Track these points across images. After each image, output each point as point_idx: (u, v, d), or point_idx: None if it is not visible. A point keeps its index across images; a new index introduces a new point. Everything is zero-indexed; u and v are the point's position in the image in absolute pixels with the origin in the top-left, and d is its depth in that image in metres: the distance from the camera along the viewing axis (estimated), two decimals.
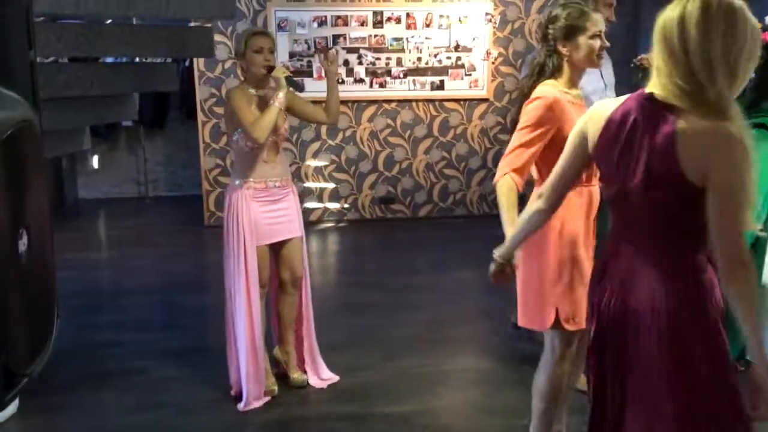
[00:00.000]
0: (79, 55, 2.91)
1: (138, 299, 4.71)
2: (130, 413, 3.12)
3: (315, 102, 3.36)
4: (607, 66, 3.44)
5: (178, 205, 7.34)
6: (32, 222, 1.08)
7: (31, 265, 1.08)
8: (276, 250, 3.22)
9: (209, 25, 3.57)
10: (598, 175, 2.19)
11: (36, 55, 1.14)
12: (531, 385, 2.51)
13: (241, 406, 3.10)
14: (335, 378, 3.37)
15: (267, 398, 3.17)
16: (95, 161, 7.76)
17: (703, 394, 1.59)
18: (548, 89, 2.32)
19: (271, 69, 3.01)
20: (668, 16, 1.57)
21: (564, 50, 2.34)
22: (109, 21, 3.07)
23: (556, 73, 2.36)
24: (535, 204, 1.92)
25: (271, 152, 3.11)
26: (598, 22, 2.34)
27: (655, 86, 1.60)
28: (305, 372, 3.35)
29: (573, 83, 2.40)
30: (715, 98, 1.51)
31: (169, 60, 4.09)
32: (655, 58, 1.59)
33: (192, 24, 3.86)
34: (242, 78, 3.19)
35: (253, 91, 3.08)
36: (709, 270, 1.61)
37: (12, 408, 1.85)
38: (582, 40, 2.32)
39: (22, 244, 1.04)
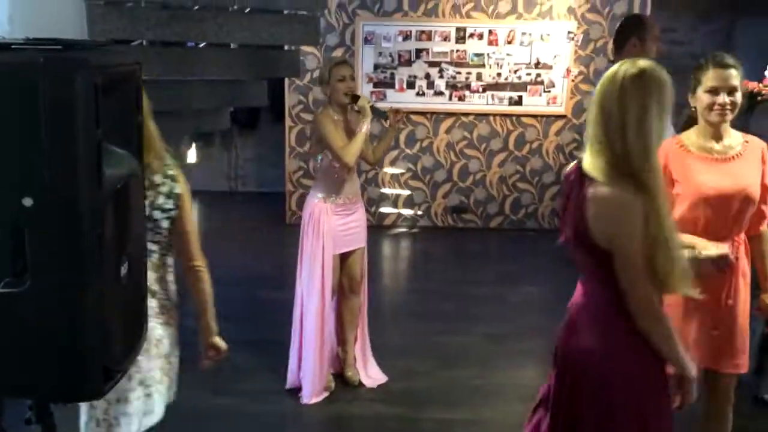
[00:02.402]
0: (179, 77, 3.29)
1: (219, 290, 5.09)
2: (204, 396, 3.48)
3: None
4: None
5: (264, 201, 7.78)
6: (132, 251, 1.38)
7: (129, 284, 1.38)
8: (342, 258, 3.50)
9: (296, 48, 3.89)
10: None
11: (143, 118, 1.44)
12: None
13: (304, 399, 3.40)
14: (384, 378, 3.63)
15: (326, 393, 3.47)
16: (192, 156, 8.33)
17: None
18: (674, 138, 2.48)
19: (355, 98, 3.30)
20: (599, 88, 1.77)
21: (691, 101, 2.45)
22: (203, 44, 3.43)
23: (695, 123, 2.45)
24: None
25: (349, 171, 3.39)
26: (717, 77, 2.34)
27: (586, 153, 1.81)
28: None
29: (709, 135, 2.41)
30: (631, 168, 1.70)
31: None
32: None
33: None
34: (328, 102, 3.45)
35: (337, 116, 3.36)
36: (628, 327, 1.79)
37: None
38: (700, 92, 2.39)
39: (124, 268, 1.35)
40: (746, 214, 2.39)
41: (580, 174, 1.79)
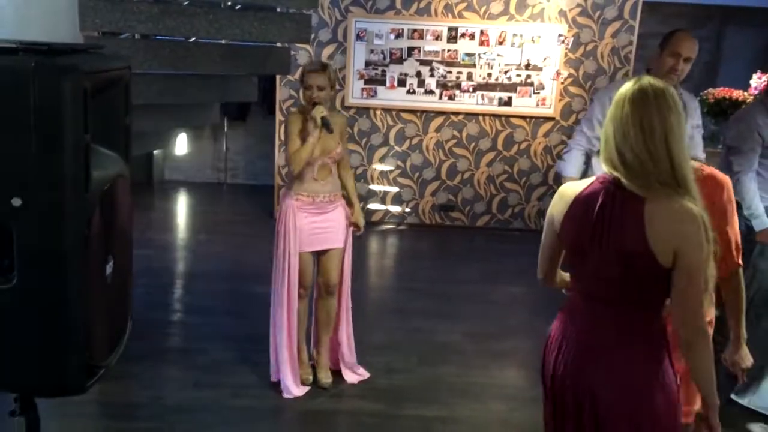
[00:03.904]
0: (171, 71, 3.31)
1: (206, 284, 5.15)
2: (188, 389, 3.52)
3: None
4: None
5: (253, 193, 7.80)
6: (118, 250, 1.42)
7: (114, 282, 1.42)
8: (318, 257, 3.54)
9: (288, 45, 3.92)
10: None
11: (131, 120, 1.48)
12: None
13: (284, 393, 3.45)
14: (366, 374, 3.69)
15: (307, 388, 3.52)
16: (182, 147, 8.33)
17: None
18: None
19: (314, 105, 3.32)
20: (634, 106, 1.72)
21: None
22: (192, 39, 3.46)
23: None
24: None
25: (321, 171, 3.42)
26: None
27: (620, 173, 1.74)
28: (336, 372, 3.66)
29: None
30: (678, 179, 1.68)
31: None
32: (618, 144, 1.73)
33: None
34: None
35: (308, 118, 3.38)
36: (665, 342, 1.79)
37: None
38: None
39: (109, 267, 1.38)
40: None
41: (617, 193, 1.75)
